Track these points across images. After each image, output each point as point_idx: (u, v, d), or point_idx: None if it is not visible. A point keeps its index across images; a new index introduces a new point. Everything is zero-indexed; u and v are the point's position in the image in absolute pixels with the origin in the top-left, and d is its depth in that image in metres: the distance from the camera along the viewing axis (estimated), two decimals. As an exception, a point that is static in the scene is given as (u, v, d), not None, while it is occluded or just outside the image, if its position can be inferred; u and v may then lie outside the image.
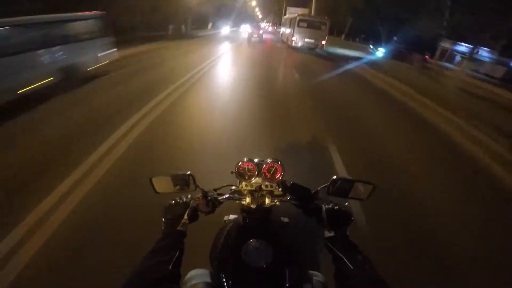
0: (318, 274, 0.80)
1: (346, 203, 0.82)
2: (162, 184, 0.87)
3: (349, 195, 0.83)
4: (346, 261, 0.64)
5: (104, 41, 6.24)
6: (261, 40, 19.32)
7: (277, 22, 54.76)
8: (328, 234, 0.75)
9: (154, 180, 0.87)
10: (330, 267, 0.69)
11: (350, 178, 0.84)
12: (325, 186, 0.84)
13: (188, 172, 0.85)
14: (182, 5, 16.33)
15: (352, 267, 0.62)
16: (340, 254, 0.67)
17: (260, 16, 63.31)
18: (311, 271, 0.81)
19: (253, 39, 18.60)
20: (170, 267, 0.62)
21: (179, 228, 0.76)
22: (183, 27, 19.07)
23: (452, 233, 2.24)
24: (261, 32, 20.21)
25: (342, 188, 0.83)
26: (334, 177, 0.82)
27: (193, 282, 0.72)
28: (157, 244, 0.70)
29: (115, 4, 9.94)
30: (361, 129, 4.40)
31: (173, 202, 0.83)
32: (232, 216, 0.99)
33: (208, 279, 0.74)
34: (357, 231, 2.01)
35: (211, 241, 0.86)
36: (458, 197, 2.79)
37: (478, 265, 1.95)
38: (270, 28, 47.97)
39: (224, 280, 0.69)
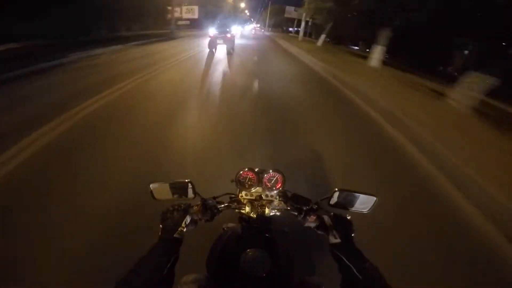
0: (317, 280, 0.79)
1: (348, 216, 0.81)
2: (161, 191, 0.84)
3: (351, 207, 0.82)
4: (354, 270, 0.63)
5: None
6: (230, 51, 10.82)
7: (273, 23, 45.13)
8: (333, 240, 0.73)
9: (152, 187, 0.83)
10: (333, 276, 0.68)
11: (352, 190, 0.82)
12: (326, 198, 0.83)
13: (188, 180, 0.82)
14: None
15: (360, 277, 0.61)
16: (348, 262, 0.65)
17: (248, 14, 61.48)
18: (308, 277, 0.80)
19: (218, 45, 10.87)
20: (164, 272, 0.61)
21: (176, 235, 0.73)
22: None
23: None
24: (228, 36, 10.93)
25: (344, 200, 0.82)
26: (336, 189, 0.81)
27: (189, 285, 0.71)
28: (152, 249, 0.68)
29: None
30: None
31: (171, 208, 0.80)
32: (230, 225, 0.97)
33: (204, 284, 0.73)
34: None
35: (208, 247, 0.84)
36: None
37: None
38: (253, 31, 35.46)
39: (221, 287, 0.69)
